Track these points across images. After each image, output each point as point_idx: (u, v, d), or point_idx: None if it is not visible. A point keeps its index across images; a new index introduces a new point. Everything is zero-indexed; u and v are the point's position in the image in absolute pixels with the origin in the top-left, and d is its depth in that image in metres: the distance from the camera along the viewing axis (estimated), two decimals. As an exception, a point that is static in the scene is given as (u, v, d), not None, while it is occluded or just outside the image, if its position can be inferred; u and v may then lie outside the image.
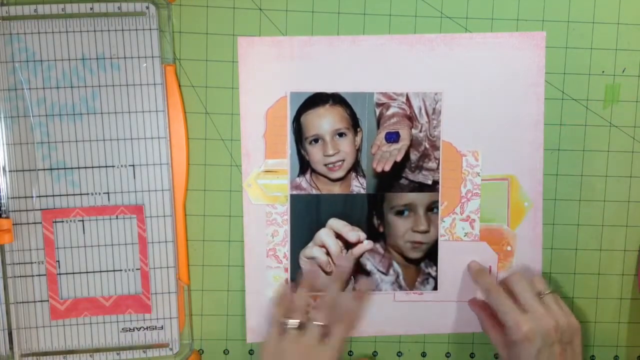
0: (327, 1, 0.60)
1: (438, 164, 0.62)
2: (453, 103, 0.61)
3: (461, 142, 0.62)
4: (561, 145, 0.63)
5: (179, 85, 0.60)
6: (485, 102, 0.61)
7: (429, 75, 0.61)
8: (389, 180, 0.62)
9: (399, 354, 0.65)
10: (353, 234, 0.62)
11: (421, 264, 0.63)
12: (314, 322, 0.58)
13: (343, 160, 0.61)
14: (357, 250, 0.62)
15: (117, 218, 0.60)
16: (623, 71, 0.62)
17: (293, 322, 0.57)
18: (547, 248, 0.63)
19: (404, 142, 0.61)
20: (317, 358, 0.57)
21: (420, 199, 0.62)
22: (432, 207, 0.62)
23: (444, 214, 0.62)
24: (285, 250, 0.62)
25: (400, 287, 0.63)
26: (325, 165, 0.61)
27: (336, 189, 0.62)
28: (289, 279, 0.62)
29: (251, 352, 0.64)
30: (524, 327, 0.54)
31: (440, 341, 0.65)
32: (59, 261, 0.60)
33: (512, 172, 0.62)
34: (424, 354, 0.65)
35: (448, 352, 0.65)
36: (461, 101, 0.61)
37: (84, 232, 0.60)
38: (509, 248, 0.63)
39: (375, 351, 0.64)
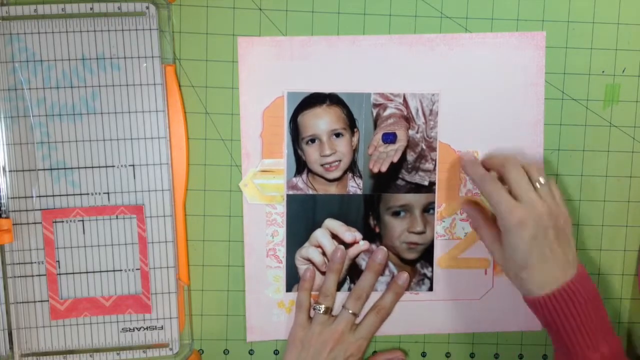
0: (327, 1, 0.60)
1: (434, 165, 0.62)
2: (453, 103, 0.61)
3: (460, 142, 0.62)
4: (561, 145, 0.63)
5: (179, 85, 0.60)
6: (485, 102, 0.61)
7: (428, 75, 0.61)
8: (386, 181, 0.62)
9: (399, 354, 0.65)
10: (349, 234, 0.62)
11: (417, 265, 0.63)
12: (347, 310, 0.59)
13: (340, 161, 0.61)
14: (353, 251, 0.62)
15: (117, 218, 0.60)
16: (623, 71, 0.62)
17: (323, 307, 0.59)
18: (547, 248, 0.63)
19: (400, 143, 0.61)
20: (347, 345, 0.59)
21: (416, 200, 0.62)
22: (428, 208, 0.62)
23: (444, 214, 0.62)
24: (285, 250, 0.62)
25: (398, 288, 0.63)
26: (322, 165, 0.61)
27: (332, 189, 0.62)
28: (317, 265, 0.62)
29: (251, 352, 0.64)
30: (517, 213, 0.52)
31: (440, 341, 0.65)
32: (59, 261, 0.60)
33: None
34: (424, 354, 0.65)
35: (448, 352, 0.65)
36: (461, 101, 0.61)
37: (84, 232, 0.60)
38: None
39: (375, 351, 0.64)
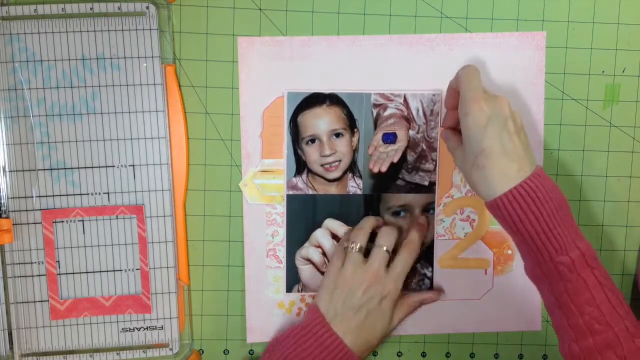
0: (327, 1, 0.60)
1: (435, 166, 0.62)
2: (453, 103, 0.61)
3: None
4: (561, 145, 0.63)
5: (179, 85, 0.60)
6: (485, 102, 0.61)
7: (428, 75, 0.61)
8: (386, 181, 0.62)
9: (399, 354, 0.65)
10: (349, 234, 0.61)
11: (417, 265, 0.63)
12: (381, 247, 0.57)
13: (340, 161, 0.61)
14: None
15: (117, 218, 0.60)
16: (623, 71, 0.62)
17: (357, 245, 0.57)
18: (547, 248, 0.63)
19: (401, 143, 0.61)
20: (384, 285, 0.57)
21: (416, 200, 0.62)
22: (428, 208, 0.62)
23: (444, 214, 0.62)
24: (285, 250, 0.62)
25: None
26: (322, 165, 0.61)
27: (332, 190, 0.62)
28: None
29: (251, 352, 0.64)
30: (479, 99, 0.51)
31: (440, 341, 0.65)
32: (59, 261, 0.60)
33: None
34: (424, 354, 0.65)
35: (448, 352, 0.65)
36: (461, 101, 0.61)
37: (84, 232, 0.60)
38: (509, 252, 0.63)
39: (374, 351, 0.64)
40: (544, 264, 0.51)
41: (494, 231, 0.63)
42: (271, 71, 0.60)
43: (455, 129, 0.57)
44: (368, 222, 0.60)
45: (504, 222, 0.51)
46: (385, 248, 0.58)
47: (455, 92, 0.55)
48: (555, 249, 0.50)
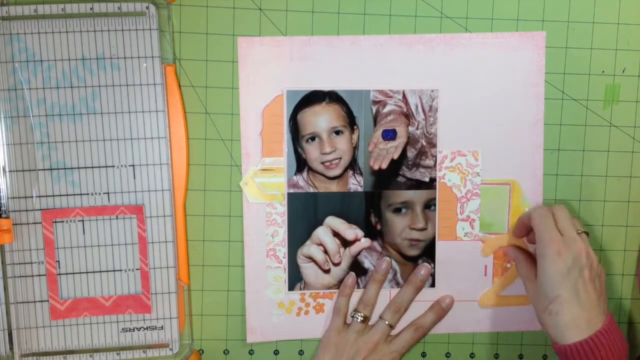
0: (327, 1, 0.60)
1: (435, 162, 0.62)
2: (453, 103, 0.61)
3: (461, 142, 0.62)
4: (561, 145, 0.63)
5: (179, 85, 0.60)
6: (485, 102, 0.61)
7: (428, 75, 0.61)
8: (386, 178, 0.62)
9: (399, 354, 0.65)
10: (350, 231, 0.62)
11: (419, 261, 0.63)
12: (384, 321, 0.60)
13: (340, 158, 0.61)
14: (354, 248, 0.62)
15: (117, 218, 0.60)
16: (623, 71, 0.62)
17: (361, 315, 0.60)
18: (547, 248, 0.63)
19: (400, 140, 0.61)
20: (381, 356, 0.60)
21: (417, 196, 0.62)
22: (429, 205, 0.62)
23: (444, 212, 0.62)
24: (285, 250, 0.62)
25: (398, 285, 0.63)
26: (322, 163, 0.61)
27: (333, 187, 0.62)
28: (354, 276, 0.63)
29: (251, 352, 0.64)
30: (557, 242, 0.54)
31: (440, 341, 0.65)
32: (59, 261, 0.60)
33: (513, 176, 0.62)
34: (424, 354, 0.65)
35: (448, 352, 0.65)
36: (461, 101, 0.61)
37: (84, 232, 0.60)
38: (508, 265, 0.63)
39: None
40: None
41: (493, 240, 0.63)
42: (271, 71, 0.60)
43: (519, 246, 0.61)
44: (371, 292, 0.61)
45: None
46: (387, 323, 0.61)
47: (525, 226, 0.59)
48: None
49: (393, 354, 0.60)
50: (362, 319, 0.61)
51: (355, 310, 0.61)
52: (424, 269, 0.62)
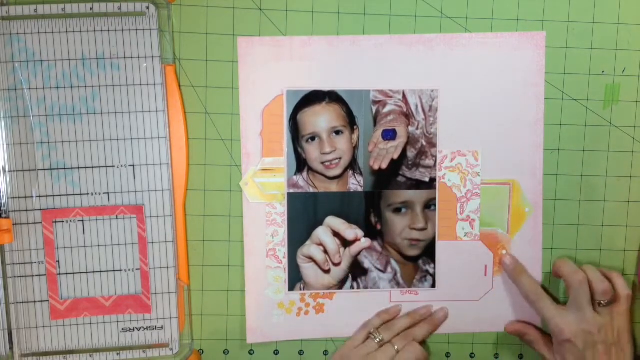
0: (327, 1, 0.60)
1: (435, 161, 0.62)
2: (452, 103, 0.61)
3: (461, 142, 0.62)
4: (561, 145, 0.63)
5: (179, 85, 0.60)
6: (485, 102, 0.61)
7: (428, 75, 0.61)
8: (386, 178, 0.62)
9: (399, 354, 0.65)
10: (350, 231, 0.62)
11: (419, 262, 0.63)
12: (393, 346, 0.60)
13: (340, 158, 0.61)
14: (354, 248, 0.62)
15: (117, 218, 0.60)
16: (623, 71, 0.62)
17: (380, 338, 0.61)
18: (547, 248, 0.63)
19: (400, 140, 0.61)
20: None
21: (417, 196, 0.62)
22: (429, 205, 0.62)
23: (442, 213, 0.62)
24: (285, 250, 0.62)
25: (398, 285, 0.63)
26: (322, 163, 0.61)
27: (333, 187, 0.62)
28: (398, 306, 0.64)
29: (251, 352, 0.64)
30: (566, 330, 0.57)
31: (440, 341, 0.65)
32: (59, 261, 0.60)
33: (513, 176, 0.62)
34: (424, 354, 0.65)
35: (448, 352, 0.65)
36: (461, 101, 0.61)
37: (84, 232, 0.60)
38: (503, 252, 0.63)
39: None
40: None
41: (488, 232, 0.63)
42: (271, 71, 0.60)
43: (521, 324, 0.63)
44: (402, 324, 0.62)
45: None
46: (396, 348, 0.60)
47: (521, 327, 0.63)
48: None
49: None
50: (379, 341, 0.61)
51: (377, 331, 0.61)
52: (442, 312, 0.63)
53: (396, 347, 0.60)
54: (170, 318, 0.61)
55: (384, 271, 0.63)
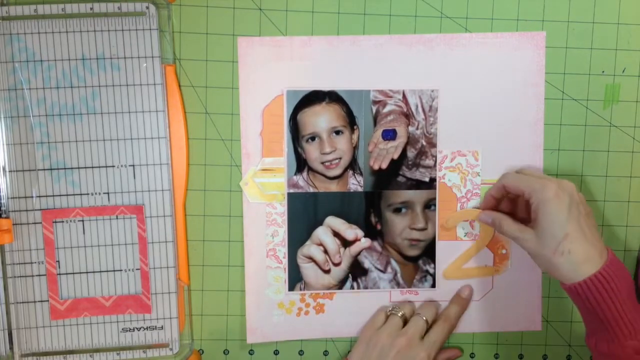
0: (327, 1, 0.60)
1: (435, 162, 0.62)
2: (453, 103, 0.61)
3: (461, 142, 0.62)
4: (561, 145, 0.63)
5: (179, 85, 0.60)
6: (485, 102, 0.61)
7: (428, 75, 0.61)
8: (386, 178, 0.62)
9: (399, 354, 0.65)
10: (350, 231, 0.62)
11: (419, 262, 0.63)
12: (420, 316, 0.60)
13: (340, 158, 0.61)
14: (354, 248, 0.62)
15: (117, 218, 0.60)
16: (623, 71, 0.62)
17: (400, 313, 0.60)
18: (547, 248, 0.63)
19: (400, 140, 0.61)
20: (417, 352, 0.58)
21: (417, 196, 0.62)
22: (429, 205, 0.62)
23: (450, 225, 0.62)
24: (285, 250, 0.62)
25: (398, 285, 0.63)
26: (322, 163, 0.61)
27: (333, 187, 0.62)
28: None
29: (251, 352, 0.64)
30: (551, 186, 0.53)
31: (440, 341, 0.65)
32: (59, 261, 0.60)
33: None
34: (424, 354, 0.65)
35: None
36: (461, 101, 0.61)
37: (84, 232, 0.60)
38: (503, 251, 0.63)
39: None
40: (612, 344, 0.53)
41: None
42: (271, 71, 0.60)
43: (503, 212, 0.60)
44: (428, 308, 0.62)
45: (581, 302, 0.54)
46: (424, 318, 0.60)
47: (494, 198, 0.60)
48: (627, 333, 0.52)
49: (428, 351, 0.58)
50: (400, 315, 0.60)
51: (397, 308, 0.61)
52: (467, 289, 0.63)
53: (424, 317, 0.60)
54: (170, 318, 0.61)
55: (384, 271, 0.63)
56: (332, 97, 0.61)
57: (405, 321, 0.61)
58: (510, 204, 0.60)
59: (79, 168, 0.59)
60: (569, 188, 0.54)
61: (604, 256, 0.53)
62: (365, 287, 0.63)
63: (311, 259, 0.62)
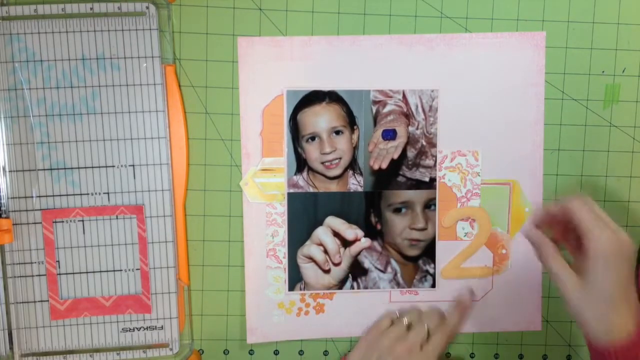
0: (327, 1, 0.60)
1: (435, 162, 0.62)
2: (453, 103, 0.61)
3: (461, 142, 0.62)
4: (561, 145, 0.63)
5: (179, 85, 0.60)
6: (485, 102, 0.61)
7: (428, 75, 0.61)
8: (386, 178, 0.62)
9: (399, 354, 0.65)
10: (350, 231, 0.62)
11: (419, 262, 0.63)
12: (423, 325, 0.57)
13: (340, 158, 0.61)
14: (354, 248, 0.62)
15: (117, 218, 0.60)
16: (623, 71, 0.62)
17: (406, 318, 0.57)
18: (547, 248, 0.63)
19: (400, 140, 0.61)
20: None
21: (417, 196, 0.62)
22: (429, 205, 0.62)
23: (447, 223, 0.62)
24: (285, 250, 0.62)
25: (398, 285, 0.63)
26: (322, 163, 0.61)
27: (333, 187, 0.62)
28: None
29: (251, 352, 0.64)
30: (613, 238, 0.47)
31: (440, 341, 0.65)
32: (59, 261, 0.60)
33: (513, 176, 0.62)
34: (424, 354, 0.65)
35: (448, 352, 0.65)
36: (461, 101, 0.61)
37: (84, 232, 0.60)
38: (503, 251, 0.63)
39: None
40: None
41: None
42: (271, 71, 0.60)
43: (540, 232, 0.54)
44: (432, 315, 0.59)
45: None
46: (427, 326, 0.57)
47: (550, 216, 0.52)
48: None
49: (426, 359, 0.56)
50: (406, 321, 0.58)
51: (405, 314, 0.58)
52: (467, 294, 0.59)
53: (427, 326, 0.57)
54: (170, 318, 0.61)
55: (384, 271, 0.63)
56: (332, 97, 0.61)
57: (410, 328, 0.60)
58: (561, 226, 0.54)
59: (79, 168, 0.59)
60: (627, 239, 0.47)
61: (637, 317, 0.48)
62: (365, 287, 0.63)
63: (311, 259, 0.62)
